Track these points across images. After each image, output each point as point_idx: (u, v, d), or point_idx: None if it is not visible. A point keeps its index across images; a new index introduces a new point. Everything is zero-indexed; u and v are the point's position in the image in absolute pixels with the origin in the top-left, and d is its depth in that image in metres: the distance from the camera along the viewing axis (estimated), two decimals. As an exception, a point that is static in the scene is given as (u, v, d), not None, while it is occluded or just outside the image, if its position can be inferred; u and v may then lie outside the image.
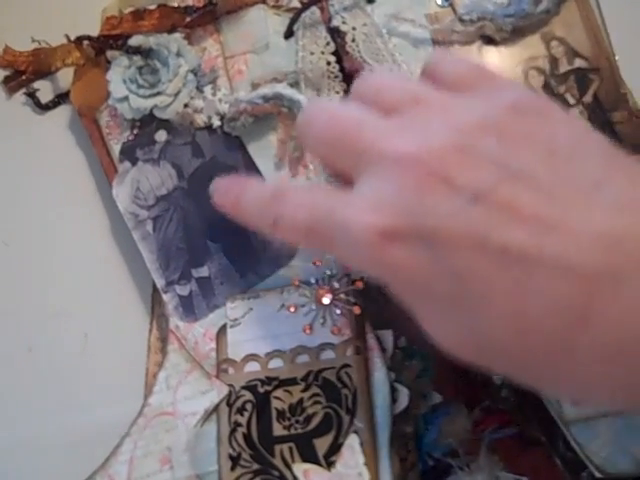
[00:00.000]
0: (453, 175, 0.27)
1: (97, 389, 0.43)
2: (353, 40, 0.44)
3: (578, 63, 0.42)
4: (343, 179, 0.35)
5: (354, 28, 0.44)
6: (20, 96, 0.50)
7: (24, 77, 0.50)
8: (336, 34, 0.44)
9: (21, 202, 0.47)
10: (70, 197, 0.47)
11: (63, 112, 0.49)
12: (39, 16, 0.51)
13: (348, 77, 0.44)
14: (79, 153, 0.48)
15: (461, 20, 0.43)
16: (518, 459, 0.38)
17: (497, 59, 0.43)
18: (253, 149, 0.43)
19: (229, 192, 0.38)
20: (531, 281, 0.25)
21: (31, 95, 0.49)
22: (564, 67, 0.42)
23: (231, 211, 0.38)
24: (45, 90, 0.50)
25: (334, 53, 0.44)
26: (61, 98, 0.49)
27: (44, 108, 0.49)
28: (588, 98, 0.42)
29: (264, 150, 0.43)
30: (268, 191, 0.34)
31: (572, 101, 0.42)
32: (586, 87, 0.42)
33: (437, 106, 0.30)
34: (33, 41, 0.48)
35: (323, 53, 0.44)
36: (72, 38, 0.47)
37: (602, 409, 0.37)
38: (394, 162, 0.28)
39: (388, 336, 0.39)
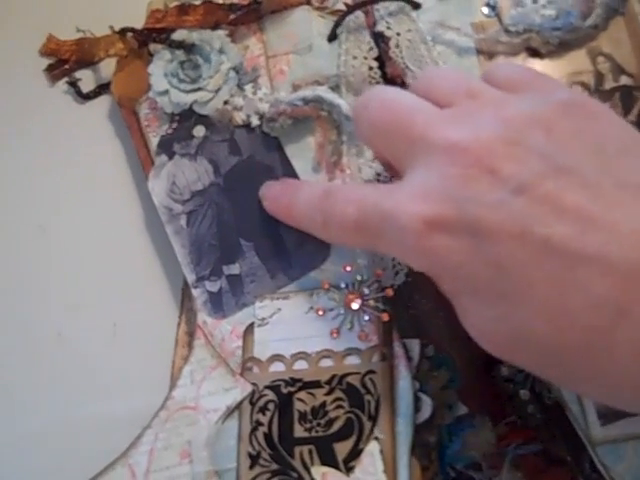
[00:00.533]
0: (499, 166, 0.27)
1: (123, 378, 0.43)
2: (397, 46, 0.43)
3: (624, 80, 0.42)
4: (392, 171, 0.36)
5: (398, 34, 0.44)
6: (62, 85, 0.50)
7: (67, 66, 0.50)
8: (380, 39, 0.44)
9: (58, 188, 0.48)
10: (106, 187, 0.47)
11: (103, 102, 0.49)
12: (85, 7, 0.51)
13: (389, 82, 0.44)
14: (117, 144, 0.48)
15: (507, 31, 0.42)
16: (541, 477, 0.38)
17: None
18: (291, 150, 0.43)
19: (281, 197, 0.39)
20: (571, 275, 0.26)
21: (73, 84, 0.49)
22: (609, 83, 0.42)
23: (283, 215, 0.39)
24: (87, 80, 0.50)
25: (377, 59, 0.44)
26: (102, 89, 0.49)
27: (85, 97, 0.49)
28: (632, 116, 0.41)
29: (302, 152, 0.43)
30: (319, 192, 0.35)
31: (616, 118, 0.41)
32: (631, 105, 0.41)
33: (489, 101, 0.31)
34: (78, 31, 0.49)
35: (366, 58, 0.44)
36: (116, 29, 0.47)
37: (630, 430, 0.36)
38: (443, 151, 0.29)
39: (415, 345, 0.39)
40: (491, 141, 0.28)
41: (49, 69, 0.50)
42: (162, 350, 0.43)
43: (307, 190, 0.38)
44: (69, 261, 0.46)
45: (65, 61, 0.50)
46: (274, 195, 0.40)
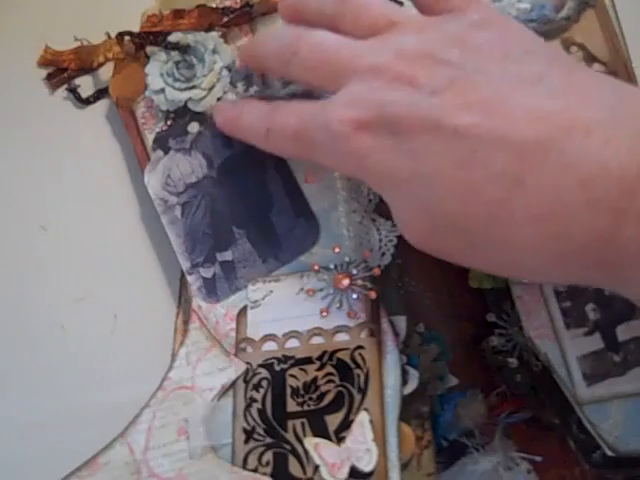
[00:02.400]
0: (416, 76, 0.32)
1: (124, 368, 0.44)
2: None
3: (596, 68, 0.44)
4: None
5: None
6: (62, 91, 0.52)
7: (66, 74, 0.52)
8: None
9: (58, 190, 0.50)
10: (104, 186, 0.49)
11: (101, 105, 0.51)
12: (81, 16, 0.53)
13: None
14: (114, 145, 0.50)
15: (485, 24, 0.44)
16: (532, 444, 0.39)
17: (518, 62, 0.44)
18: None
19: (230, 110, 0.43)
20: (475, 155, 0.30)
21: (73, 91, 0.51)
22: (583, 71, 0.44)
23: (230, 129, 0.43)
24: (86, 85, 0.52)
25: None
26: (101, 93, 0.51)
27: (85, 102, 0.51)
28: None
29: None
30: (265, 106, 0.40)
31: (590, 103, 0.43)
32: (603, 90, 0.43)
33: (411, 26, 0.35)
34: (76, 40, 0.51)
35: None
36: (113, 35, 0.49)
37: (615, 390, 0.38)
38: (367, 71, 0.33)
39: (401, 321, 0.40)
40: (411, 57, 0.33)
41: (48, 78, 0.52)
42: (162, 339, 0.44)
43: (255, 104, 0.41)
44: (70, 258, 0.48)
45: (64, 69, 0.52)
46: (224, 108, 0.44)
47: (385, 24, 0.35)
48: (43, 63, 0.52)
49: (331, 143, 0.34)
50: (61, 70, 0.52)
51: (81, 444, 0.42)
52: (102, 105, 0.51)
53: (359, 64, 0.34)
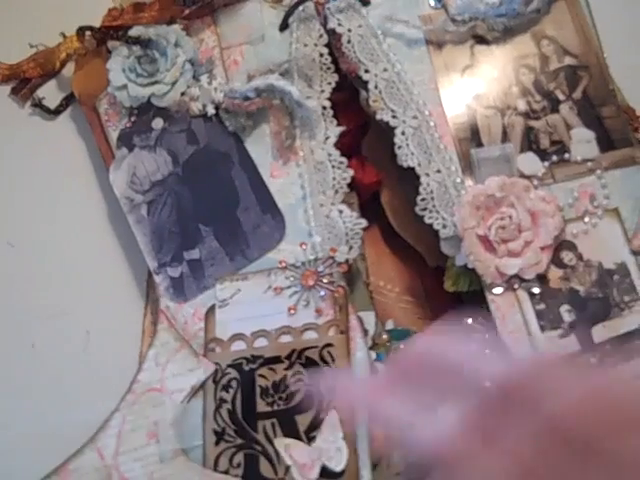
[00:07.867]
0: None
1: (98, 385, 0.43)
2: (349, 41, 0.45)
3: (568, 61, 0.43)
4: None
5: (349, 30, 0.45)
6: (14, 100, 0.50)
7: (30, 84, 0.50)
8: (332, 36, 0.45)
9: (25, 203, 0.49)
10: (70, 200, 0.48)
11: (67, 117, 0.50)
12: (33, 21, 0.52)
13: (344, 77, 0.45)
14: (80, 142, 0.49)
15: (453, 20, 0.44)
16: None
17: (489, 58, 0.44)
18: (247, 137, 0.45)
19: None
20: None
21: (38, 105, 0.50)
22: (554, 65, 0.43)
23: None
24: (52, 92, 0.50)
25: (327, 45, 0.45)
26: (69, 99, 0.49)
27: (55, 113, 0.50)
28: (578, 94, 0.43)
29: (257, 138, 0.45)
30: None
31: (562, 97, 0.43)
32: (576, 84, 0.43)
33: None
34: (31, 47, 0.49)
35: (316, 45, 0.45)
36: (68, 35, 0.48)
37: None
38: None
39: (370, 317, 0.40)
40: None
41: (14, 91, 0.50)
42: (136, 355, 0.43)
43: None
44: (39, 274, 0.47)
45: (28, 80, 0.50)
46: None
47: None
48: (3, 80, 0.51)
49: None
50: (25, 81, 0.51)
51: (54, 463, 0.40)
52: (68, 118, 0.50)
53: None
